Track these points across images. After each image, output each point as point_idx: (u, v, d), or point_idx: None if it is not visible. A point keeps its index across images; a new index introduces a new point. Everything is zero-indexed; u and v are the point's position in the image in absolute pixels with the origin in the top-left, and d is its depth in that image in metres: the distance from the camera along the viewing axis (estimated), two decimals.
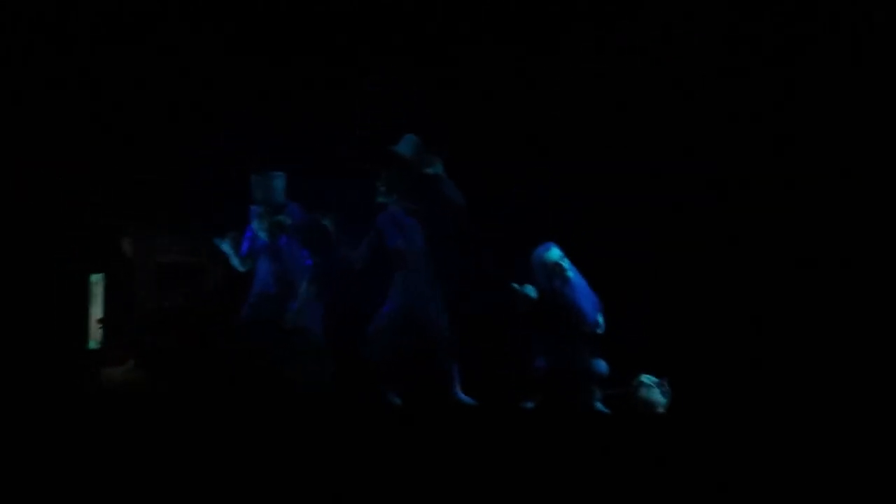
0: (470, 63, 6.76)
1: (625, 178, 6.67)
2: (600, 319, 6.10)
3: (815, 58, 6.48)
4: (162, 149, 6.69)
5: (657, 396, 6.09)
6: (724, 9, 6.58)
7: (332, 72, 6.87)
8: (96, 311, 6.71)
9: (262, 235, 6.40)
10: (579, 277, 6.12)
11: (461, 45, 6.66)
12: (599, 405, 6.14)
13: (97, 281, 6.72)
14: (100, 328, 6.69)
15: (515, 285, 6.03)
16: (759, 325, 6.46)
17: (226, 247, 6.43)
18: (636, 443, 5.46)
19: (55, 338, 6.45)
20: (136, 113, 6.57)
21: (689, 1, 6.61)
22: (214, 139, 6.69)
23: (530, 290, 6.03)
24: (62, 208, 6.37)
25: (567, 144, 6.63)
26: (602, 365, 6.12)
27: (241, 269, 6.46)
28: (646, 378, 6.14)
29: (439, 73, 6.71)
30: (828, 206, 6.43)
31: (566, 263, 6.08)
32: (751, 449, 5.22)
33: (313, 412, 5.80)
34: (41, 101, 6.04)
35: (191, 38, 6.62)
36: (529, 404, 6.15)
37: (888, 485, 4.73)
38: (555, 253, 6.10)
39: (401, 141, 6.20)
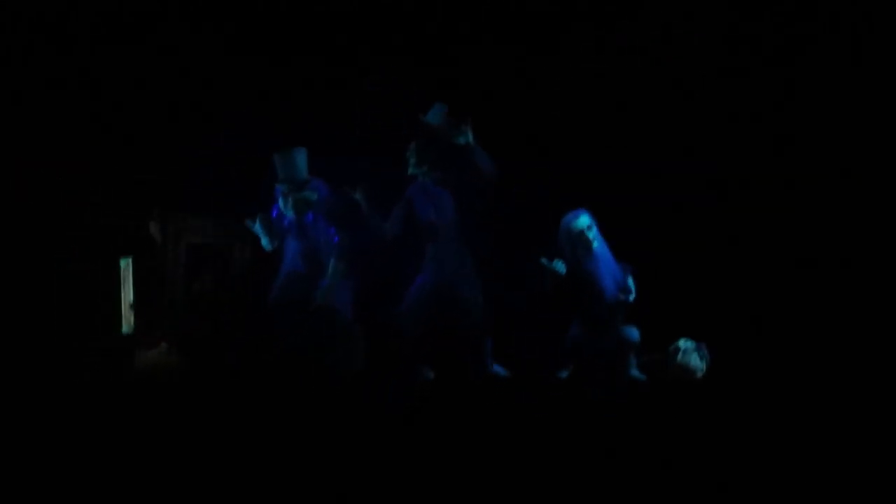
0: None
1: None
2: (631, 285, 6.01)
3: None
4: (185, 132, 6.65)
5: (695, 361, 6.00)
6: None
7: (353, 50, 6.82)
8: (128, 295, 6.64)
9: (289, 213, 6.35)
10: (604, 249, 6.03)
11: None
12: (635, 372, 6.06)
13: (127, 265, 6.66)
14: (132, 312, 6.65)
15: (545, 261, 5.95)
16: (806, 286, 6.33)
17: (256, 227, 6.40)
18: (674, 409, 5.43)
19: (88, 323, 6.37)
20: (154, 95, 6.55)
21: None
22: (237, 119, 6.65)
23: (560, 266, 5.94)
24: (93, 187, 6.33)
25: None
26: (634, 332, 6.04)
27: (269, 248, 6.43)
28: (683, 343, 6.04)
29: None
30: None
31: (591, 234, 5.99)
32: (793, 415, 5.15)
33: (345, 390, 5.78)
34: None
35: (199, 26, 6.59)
36: (563, 374, 6.09)
37: None
38: (582, 221, 6.01)
39: (430, 110, 6.15)
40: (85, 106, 6.13)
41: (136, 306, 6.60)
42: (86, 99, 6.12)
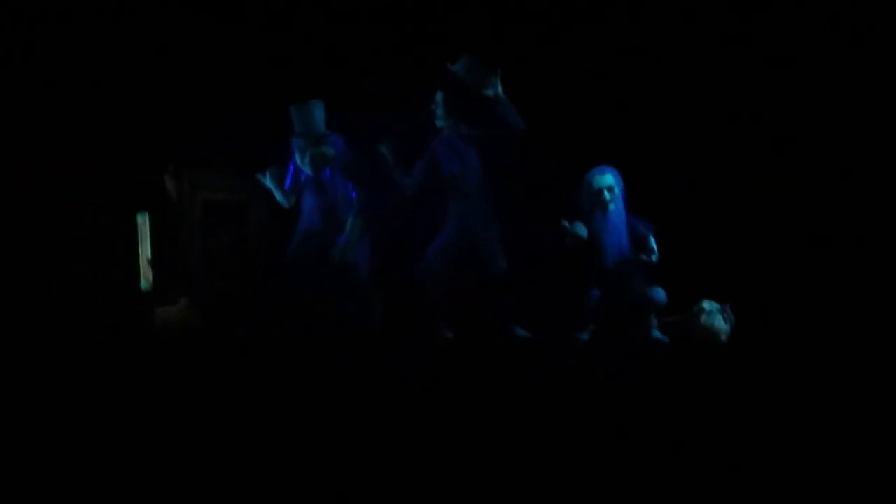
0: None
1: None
2: (652, 244, 5.94)
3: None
4: (196, 86, 6.55)
5: (719, 323, 5.89)
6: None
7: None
8: (145, 251, 6.61)
9: (306, 168, 6.24)
10: (620, 213, 5.93)
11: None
12: (657, 333, 5.97)
13: (144, 220, 6.62)
14: (150, 268, 6.61)
15: (565, 223, 5.86)
16: (833, 247, 6.21)
17: (269, 182, 6.30)
18: (697, 372, 5.37)
19: (106, 280, 6.29)
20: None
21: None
22: (251, 72, 6.55)
23: (581, 229, 5.87)
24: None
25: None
26: (660, 293, 5.94)
27: (285, 204, 6.34)
28: (706, 304, 5.93)
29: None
30: None
31: (609, 195, 5.89)
32: (821, 379, 5.10)
33: (364, 349, 5.72)
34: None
35: None
36: (584, 335, 6.01)
37: None
38: (604, 180, 5.92)
39: (458, 61, 5.98)
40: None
41: (154, 262, 6.55)
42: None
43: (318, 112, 6.21)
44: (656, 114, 6.44)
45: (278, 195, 6.32)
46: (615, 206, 5.92)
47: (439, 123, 6.11)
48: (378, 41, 6.57)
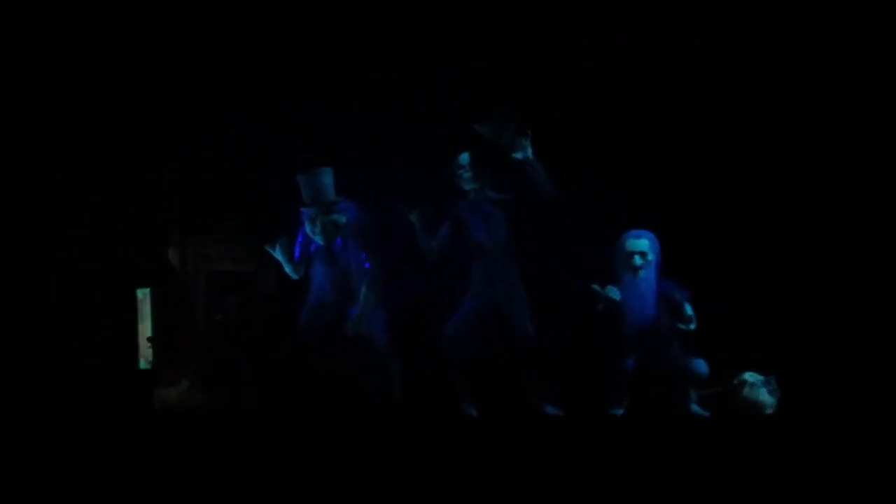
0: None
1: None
2: (688, 311, 5.69)
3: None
4: (209, 152, 6.43)
5: (764, 396, 5.62)
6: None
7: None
8: (146, 328, 6.39)
9: (317, 238, 6.01)
10: (650, 279, 5.70)
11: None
12: (696, 408, 5.70)
13: (145, 296, 6.41)
14: (150, 346, 6.37)
15: (596, 287, 5.65)
16: (882, 314, 5.95)
17: (277, 252, 6.03)
18: (741, 449, 5.08)
19: (104, 360, 6.29)
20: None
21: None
22: (260, 139, 6.40)
23: (613, 293, 5.65)
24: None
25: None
26: (700, 364, 5.68)
27: (295, 276, 6.08)
28: (749, 376, 5.67)
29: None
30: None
31: (640, 261, 5.68)
32: (873, 456, 4.82)
33: (382, 426, 5.54)
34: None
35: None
36: (619, 411, 5.73)
37: None
38: (639, 244, 5.70)
39: (486, 121, 5.81)
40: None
41: (155, 340, 6.34)
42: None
43: (328, 179, 6.00)
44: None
45: (287, 266, 6.07)
46: (645, 272, 5.70)
47: (466, 186, 5.96)
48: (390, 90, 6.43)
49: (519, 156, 5.71)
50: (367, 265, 6.00)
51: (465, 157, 5.93)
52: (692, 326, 5.67)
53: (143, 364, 6.33)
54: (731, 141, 6.25)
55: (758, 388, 5.63)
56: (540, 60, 6.32)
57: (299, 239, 6.08)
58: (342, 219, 5.97)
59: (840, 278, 6.04)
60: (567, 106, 6.27)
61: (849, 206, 6.11)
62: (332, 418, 5.64)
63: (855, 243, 6.06)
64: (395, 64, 6.40)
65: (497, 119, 5.79)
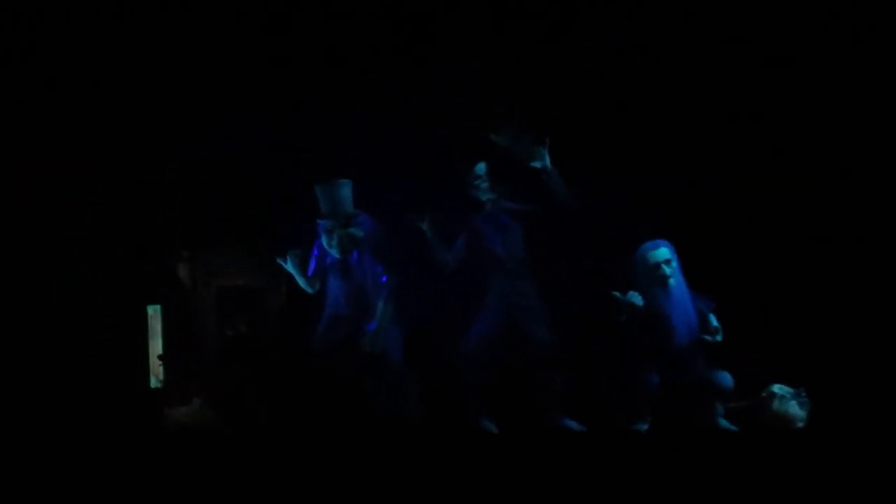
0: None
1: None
2: (714, 322, 5.58)
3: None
4: (220, 162, 6.35)
5: (794, 409, 5.53)
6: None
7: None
8: (156, 346, 6.28)
9: (333, 251, 5.90)
10: (681, 286, 5.61)
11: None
12: (723, 422, 5.59)
13: (155, 313, 6.30)
14: (161, 364, 6.26)
15: (617, 294, 5.52)
16: None
17: (290, 266, 5.92)
18: (771, 464, 4.93)
19: (114, 378, 6.12)
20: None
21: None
22: (273, 147, 6.30)
23: (636, 298, 5.51)
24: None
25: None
26: (726, 377, 5.57)
27: (309, 290, 5.96)
28: (778, 388, 5.58)
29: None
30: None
31: (668, 269, 5.57)
32: None
33: (399, 443, 5.43)
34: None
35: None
36: (643, 426, 5.59)
37: None
38: (660, 254, 5.59)
39: (502, 130, 5.73)
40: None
41: (165, 357, 6.22)
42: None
43: (346, 191, 5.92)
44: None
45: (301, 280, 5.96)
46: (676, 280, 5.60)
47: (483, 197, 5.89)
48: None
49: (537, 164, 5.65)
50: (383, 279, 5.90)
51: (481, 168, 5.87)
52: (718, 338, 5.57)
53: (154, 382, 6.22)
54: (744, 142, 6.22)
55: (787, 401, 5.54)
56: (540, 60, 6.28)
57: (314, 252, 5.98)
58: (360, 232, 5.88)
59: (871, 284, 5.95)
60: (568, 106, 6.22)
61: (884, 210, 6.05)
62: (345, 435, 5.54)
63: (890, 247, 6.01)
64: (401, 68, 6.35)
65: (513, 128, 5.73)
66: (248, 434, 5.87)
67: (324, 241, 5.91)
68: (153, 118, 6.19)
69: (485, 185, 5.86)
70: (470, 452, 5.27)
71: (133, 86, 6.14)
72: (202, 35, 6.20)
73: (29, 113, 5.99)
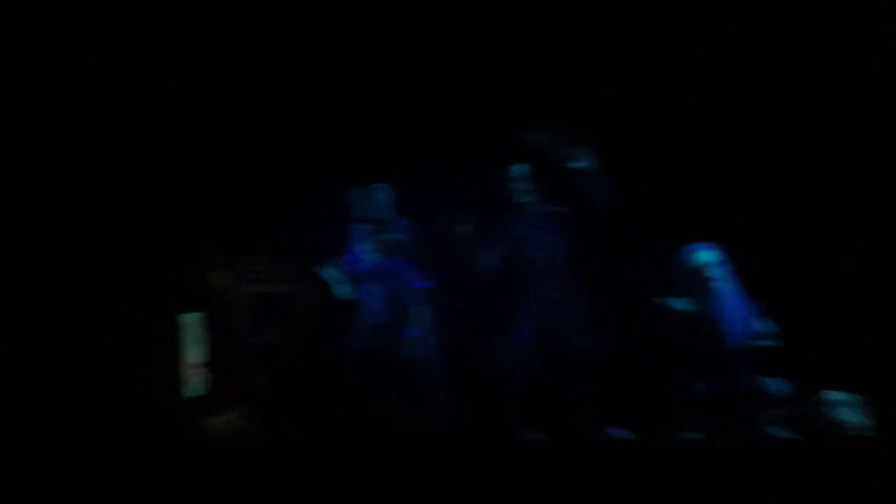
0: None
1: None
2: (767, 327, 5.46)
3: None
4: (250, 168, 6.39)
5: (851, 417, 5.36)
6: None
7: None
8: (193, 354, 6.23)
9: (372, 257, 5.91)
10: (730, 288, 5.47)
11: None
12: (778, 431, 5.40)
13: (192, 321, 6.26)
14: (196, 373, 6.21)
15: (661, 300, 5.46)
16: None
17: (327, 273, 5.92)
18: (831, 473, 4.72)
19: (149, 389, 6.10)
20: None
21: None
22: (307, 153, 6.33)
23: (679, 303, 5.44)
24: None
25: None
26: (777, 384, 5.41)
27: (345, 296, 5.93)
28: (835, 395, 5.41)
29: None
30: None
31: (713, 272, 5.45)
32: None
33: (434, 452, 5.27)
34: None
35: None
36: (693, 436, 5.42)
37: None
38: (703, 257, 5.48)
39: (543, 130, 5.69)
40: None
41: (201, 367, 6.17)
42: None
43: (384, 196, 5.93)
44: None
45: (337, 287, 5.94)
46: (724, 284, 5.49)
47: (521, 200, 5.81)
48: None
49: (578, 165, 5.57)
50: (421, 284, 5.87)
51: (519, 169, 5.80)
52: (771, 343, 5.43)
53: (189, 392, 6.16)
54: (802, 142, 6.12)
55: (845, 409, 5.38)
56: (582, 60, 6.27)
57: (350, 258, 5.96)
58: (398, 237, 5.88)
59: None
60: (610, 106, 6.21)
61: None
62: (379, 444, 5.46)
63: None
64: (437, 70, 6.34)
65: (554, 129, 5.66)
66: (282, 442, 5.79)
67: (361, 246, 5.90)
68: (184, 125, 6.24)
69: (523, 186, 5.78)
70: (507, 462, 5.10)
71: (170, 95, 6.22)
72: (234, 41, 6.27)
73: (65, 122, 6.07)
